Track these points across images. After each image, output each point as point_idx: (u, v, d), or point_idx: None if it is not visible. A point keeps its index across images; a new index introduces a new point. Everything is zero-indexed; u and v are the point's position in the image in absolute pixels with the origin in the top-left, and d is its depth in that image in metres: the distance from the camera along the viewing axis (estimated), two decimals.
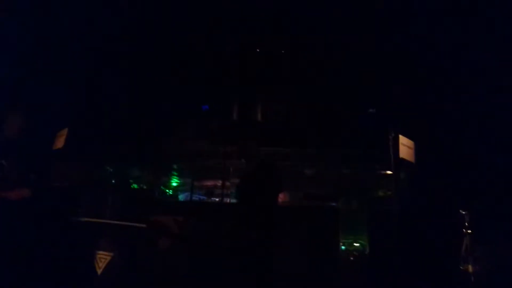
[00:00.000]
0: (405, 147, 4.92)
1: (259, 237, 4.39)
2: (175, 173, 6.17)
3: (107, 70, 5.64)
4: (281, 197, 5.52)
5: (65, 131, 4.97)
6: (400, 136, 4.73)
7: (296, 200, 5.52)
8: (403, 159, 5.06)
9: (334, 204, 5.47)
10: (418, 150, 4.88)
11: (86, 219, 5.00)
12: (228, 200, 5.12)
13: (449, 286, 4.71)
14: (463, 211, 4.58)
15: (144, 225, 5.04)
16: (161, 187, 6.03)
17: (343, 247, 5.33)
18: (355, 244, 5.35)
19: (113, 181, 5.74)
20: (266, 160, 4.17)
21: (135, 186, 5.79)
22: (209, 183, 6.21)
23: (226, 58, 5.81)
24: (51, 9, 5.20)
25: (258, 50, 6.00)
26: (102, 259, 4.90)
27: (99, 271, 4.89)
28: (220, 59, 5.81)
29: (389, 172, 5.48)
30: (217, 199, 5.64)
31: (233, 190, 5.31)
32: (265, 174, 4.08)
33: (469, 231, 4.52)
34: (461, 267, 4.64)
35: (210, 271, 4.62)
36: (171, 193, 6.17)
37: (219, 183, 5.46)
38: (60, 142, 5.03)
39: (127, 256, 4.92)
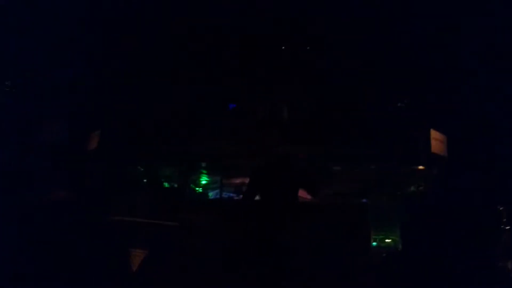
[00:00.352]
0: (437, 141, 4.84)
1: (288, 235, 4.41)
2: (204, 171, 6.24)
3: (134, 70, 5.73)
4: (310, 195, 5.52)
5: (98, 132, 5.10)
6: (432, 130, 4.65)
7: (326, 198, 5.50)
8: (435, 154, 4.98)
9: (364, 200, 5.43)
10: (451, 143, 4.79)
11: (119, 217, 5.12)
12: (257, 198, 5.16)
13: (487, 284, 4.61)
14: (501, 207, 4.47)
15: (176, 223, 5.13)
16: (191, 185, 6.10)
17: (374, 243, 5.28)
18: (386, 240, 5.30)
19: (144, 180, 5.85)
20: (286, 156, 4.17)
21: (166, 184, 5.88)
22: (238, 180, 6.26)
23: (250, 56, 5.82)
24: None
25: (283, 47, 5.99)
26: (137, 256, 5.01)
27: (134, 269, 5.00)
28: (245, 58, 5.82)
29: (421, 167, 5.40)
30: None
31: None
32: (286, 169, 4.09)
33: (508, 227, 4.41)
34: (499, 264, 4.54)
35: (242, 269, 4.65)
36: (200, 191, 6.24)
37: (247, 181, 5.49)
38: (93, 143, 5.17)
39: (160, 254, 5.02)
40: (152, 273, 4.92)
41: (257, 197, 4.24)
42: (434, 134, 4.97)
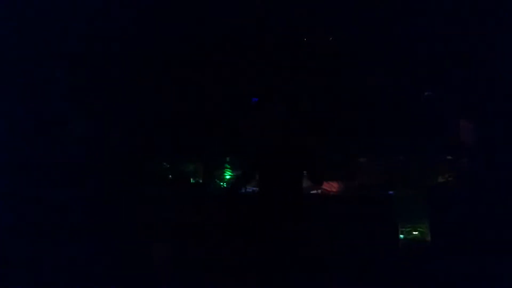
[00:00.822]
0: (466, 130, 4.71)
1: (312, 229, 4.38)
2: (228, 166, 6.26)
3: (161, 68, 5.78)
4: (335, 187, 5.48)
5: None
6: (461, 119, 4.52)
7: (351, 190, 5.44)
8: (464, 143, 4.86)
9: (391, 192, 5.34)
10: (480, 133, 4.66)
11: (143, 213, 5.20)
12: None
13: None
14: None
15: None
16: (216, 180, 6.13)
17: (401, 236, 5.20)
18: (414, 232, 5.20)
19: (170, 176, 5.91)
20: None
21: (192, 180, 5.93)
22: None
23: (269, 50, 5.78)
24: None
25: (305, 39, 5.91)
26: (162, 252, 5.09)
27: (160, 264, 5.09)
28: (264, 52, 5.78)
29: (449, 157, 5.27)
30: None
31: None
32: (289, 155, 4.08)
33: None
34: None
35: (266, 262, 4.64)
36: (225, 185, 6.26)
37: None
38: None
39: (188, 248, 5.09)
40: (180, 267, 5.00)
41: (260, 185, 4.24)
42: (463, 123, 4.85)
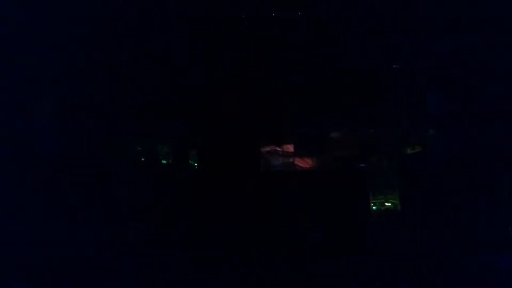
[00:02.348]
0: (433, 102, 4.78)
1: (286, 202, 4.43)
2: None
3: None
4: (308, 163, 5.52)
5: None
6: (428, 92, 4.58)
7: (324, 164, 5.49)
8: (431, 115, 4.93)
9: (362, 165, 5.42)
10: (447, 104, 4.74)
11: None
12: None
13: (489, 244, 4.63)
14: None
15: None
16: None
17: (374, 207, 5.30)
18: (386, 204, 5.31)
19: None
20: None
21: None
22: None
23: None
24: None
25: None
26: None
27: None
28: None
29: (418, 128, 5.35)
30: None
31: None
32: None
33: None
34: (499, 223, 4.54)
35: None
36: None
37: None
38: None
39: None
40: None
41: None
42: (430, 95, 4.92)
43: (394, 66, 5.39)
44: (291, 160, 5.48)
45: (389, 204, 5.32)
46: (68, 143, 5.34)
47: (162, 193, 5.17)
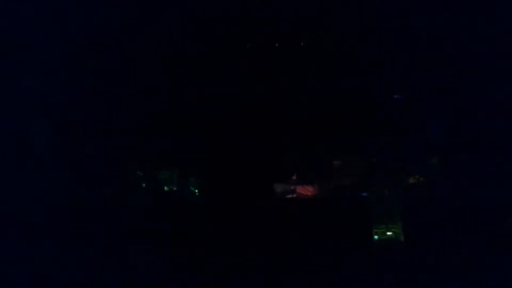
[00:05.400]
0: (437, 132, 4.82)
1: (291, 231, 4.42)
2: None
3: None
4: (310, 190, 5.53)
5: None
6: (431, 121, 4.63)
7: (326, 191, 5.50)
8: (435, 144, 4.96)
9: (365, 194, 5.42)
10: (449, 133, 4.78)
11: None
12: None
13: (491, 274, 4.60)
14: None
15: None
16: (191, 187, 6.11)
17: (376, 237, 5.28)
18: (388, 233, 5.29)
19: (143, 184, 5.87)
20: None
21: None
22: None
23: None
24: None
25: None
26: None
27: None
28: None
29: (419, 158, 5.39)
30: None
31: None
32: None
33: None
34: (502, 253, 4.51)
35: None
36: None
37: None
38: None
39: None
40: None
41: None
42: (433, 124, 4.97)
43: (395, 96, 5.47)
44: (293, 188, 5.50)
45: (391, 233, 5.31)
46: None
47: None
